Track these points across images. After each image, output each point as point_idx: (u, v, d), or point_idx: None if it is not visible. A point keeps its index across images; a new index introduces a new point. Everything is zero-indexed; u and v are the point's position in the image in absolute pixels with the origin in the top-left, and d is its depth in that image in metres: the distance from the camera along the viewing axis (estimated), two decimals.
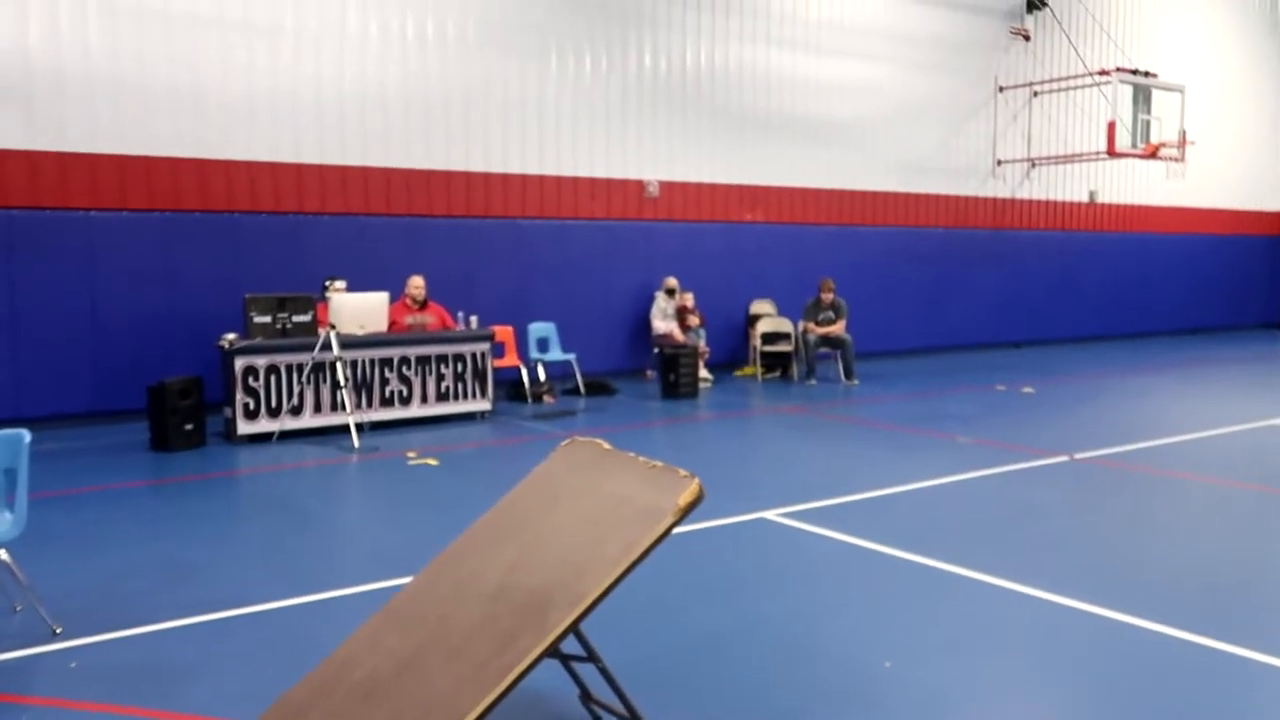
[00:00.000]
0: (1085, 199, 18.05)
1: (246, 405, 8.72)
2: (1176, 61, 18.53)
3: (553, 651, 2.85)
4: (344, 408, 8.85)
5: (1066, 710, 3.69)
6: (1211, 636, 4.22)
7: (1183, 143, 16.69)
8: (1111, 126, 15.98)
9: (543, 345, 11.48)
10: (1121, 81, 16.06)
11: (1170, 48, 18.79)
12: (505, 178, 11.83)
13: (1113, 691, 3.77)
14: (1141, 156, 16.59)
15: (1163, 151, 16.54)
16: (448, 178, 11.42)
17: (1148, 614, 4.47)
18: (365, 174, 10.87)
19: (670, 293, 12.61)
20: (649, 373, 12.78)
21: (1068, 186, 17.73)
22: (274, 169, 10.32)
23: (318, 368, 8.93)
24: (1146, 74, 16.56)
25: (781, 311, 13.68)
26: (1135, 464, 7.85)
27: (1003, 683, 3.90)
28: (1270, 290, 21.86)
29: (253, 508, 6.87)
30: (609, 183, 12.66)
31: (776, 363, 13.31)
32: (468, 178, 11.56)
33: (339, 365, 8.78)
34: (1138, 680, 3.87)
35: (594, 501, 3.22)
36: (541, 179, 12.09)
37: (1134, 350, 16.97)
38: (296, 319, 8.99)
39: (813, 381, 12.65)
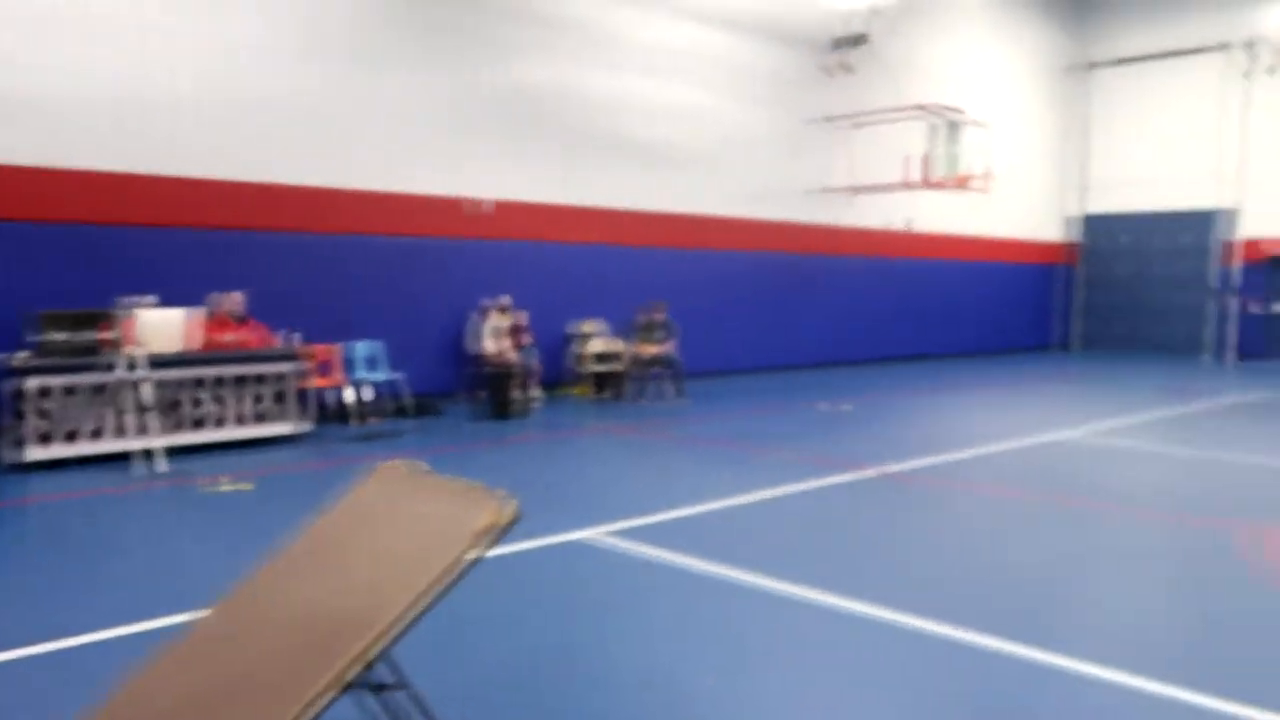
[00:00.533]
0: (903, 227, 19.04)
1: (38, 429, 8.09)
2: (980, 99, 19.80)
3: (361, 680, 2.74)
4: (148, 431, 8.33)
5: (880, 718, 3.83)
6: (1013, 640, 4.48)
7: (987, 175, 17.87)
8: (925, 159, 16.97)
9: (369, 364, 11.16)
10: (934, 116, 17.07)
11: (974, 87, 20.08)
12: (335, 193, 11.46)
13: (923, 696, 3.95)
14: (951, 187, 17.64)
15: (971, 183, 17.66)
16: (275, 191, 10.96)
17: (950, 619, 4.71)
18: (177, 185, 10.30)
19: (503, 310, 12.49)
20: (480, 393, 12.61)
21: (887, 215, 18.65)
22: (59, 176, 9.63)
23: (120, 388, 8.38)
24: (956, 110, 17.65)
25: (614, 332, 13.79)
26: (939, 478, 8.29)
27: (816, 694, 4.01)
28: (1049, 314, 23.68)
29: (41, 540, 6.35)
30: (442, 200, 12.46)
31: (608, 382, 13.39)
32: (295, 192, 11.12)
33: (145, 386, 8.27)
34: (946, 685, 4.06)
35: (405, 525, 3.13)
36: (371, 195, 11.76)
37: (942, 370, 17.97)
38: (96, 336, 8.43)
39: (643, 400, 12.79)
